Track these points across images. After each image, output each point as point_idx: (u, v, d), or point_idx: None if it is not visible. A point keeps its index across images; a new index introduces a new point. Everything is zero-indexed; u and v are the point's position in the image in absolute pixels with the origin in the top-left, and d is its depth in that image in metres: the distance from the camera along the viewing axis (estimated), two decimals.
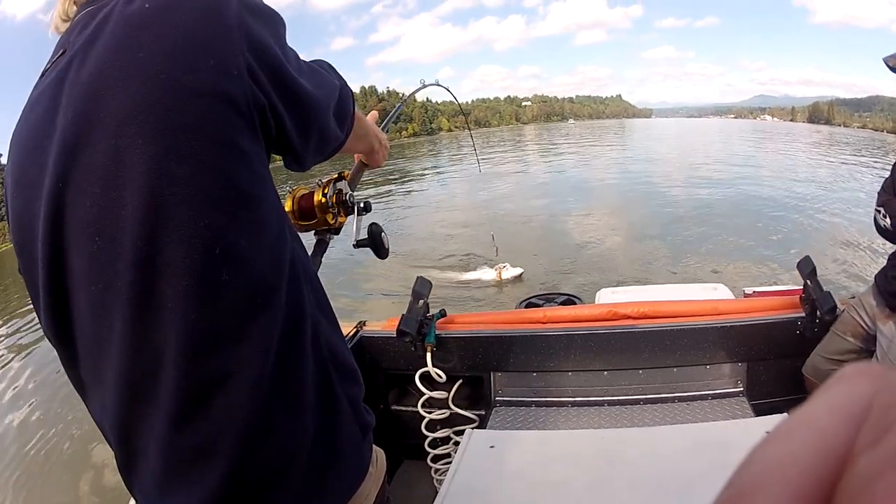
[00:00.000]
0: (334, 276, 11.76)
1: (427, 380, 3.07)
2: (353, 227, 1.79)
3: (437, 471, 3.15)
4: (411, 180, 33.83)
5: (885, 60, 2.53)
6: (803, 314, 2.92)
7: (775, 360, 3.00)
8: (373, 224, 1.79)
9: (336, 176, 1.75)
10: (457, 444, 3.09)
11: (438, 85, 2.85)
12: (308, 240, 1.75)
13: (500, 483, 2.24)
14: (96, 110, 0.94)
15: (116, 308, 0.98)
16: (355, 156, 1.89)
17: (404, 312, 3.04)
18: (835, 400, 0.21)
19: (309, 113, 1.13)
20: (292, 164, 1.23)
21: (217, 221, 0.97)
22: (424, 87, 2.76)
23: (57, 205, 0.98)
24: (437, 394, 3.07)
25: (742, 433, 2.35)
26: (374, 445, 1.41)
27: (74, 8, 1.11)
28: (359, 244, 1.77)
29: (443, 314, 3.19)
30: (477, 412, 3.12)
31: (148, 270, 0.96)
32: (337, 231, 1.81)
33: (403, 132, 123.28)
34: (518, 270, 10.72)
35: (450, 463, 3.05)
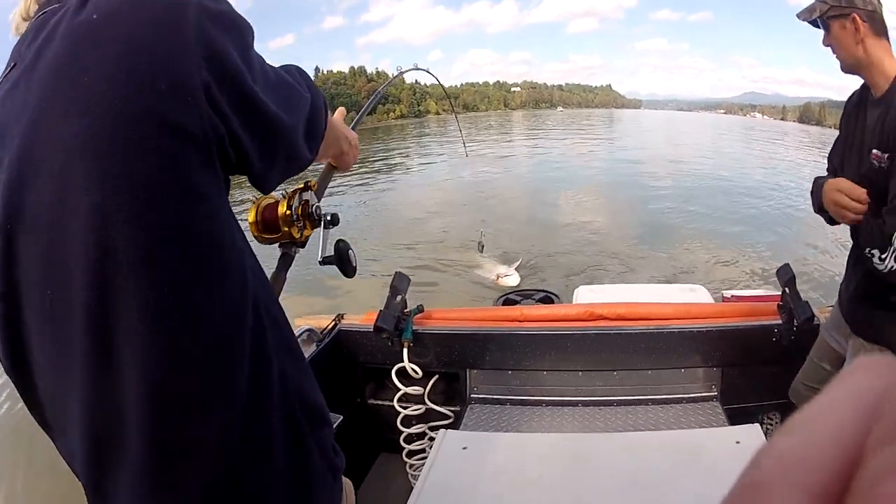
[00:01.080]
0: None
1: (403, 375, 3.08)
2: (320, 241, 1.71)
3: (412, 466, 3.17)
4: (397, 163, 33.73)
5: (798, 16, 2.42)
6: (780, 322, 2.94)
7: (750, 366, 3.04)
8: (340, 241, 1.70)
9: (302, 185, 1.63)
10: (432, 439, 3.11)
11: (419, 69, 2.81)
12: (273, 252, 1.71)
13: (472, 484, 2.27)
14: (40, 147, 0.88)
15: (75, 370, 0.94)
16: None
17: (381, 308, 3.05)
18: (851, 392, 0.21)
19: (274, 136, 1.07)
20: (255, 185, 1.17)
21: (170, 273, 0.92)
22: (406, 71, 2.68)
23: (9, 248, 0.93)
24: (412, 389, 3.09)
25: (711, 441, 2.39)
26: (343, 478, 1.39)
27: (36, 6, 1.03)
28: (325, 261, 1.70)
29: (420, 310, 3.20)
30: (452, 408, 3.15)
31: (102, 332, 0.91)
32: (303, 244, 1.70)
33: (391, 113, 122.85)
34: (517, 280, 10.69)
35: (425, 458, 3.08)
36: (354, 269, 1.71)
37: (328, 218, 1.68)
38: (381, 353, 3.20)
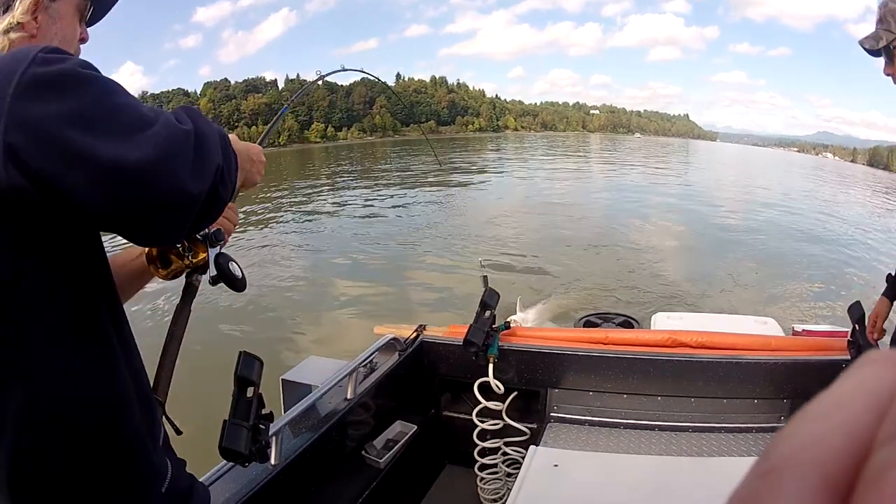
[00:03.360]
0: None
1: (484, 390, 3.11)
2: (210, 261, 1.57)
3: (483, 479, 3.20)
4: (473, 177, 33.85)
5: (861, 43, 2.41)
6: (849, 358, 2.92)
7: None
8: (219, 255, 1.58)
9: None
10: (505, 454, 3.15)
11: (347, 69, 2.62)
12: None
13: (564, 501, 2.31)
14: None
15: None
16: None
17: (471, 322, 3.08)
18: (864, 384, 0.22)
19: (120, 180, 0.99)
20: (131, 239, 1.12)
21: None
22: (328, 74, 2.47)
23: None
24: (492, 404, 3.11)
25: None
26: None
27: None
28: (213, 281, 1.58)
29: (507, 326, 3.23)
30: (529, 425, 3.16)
31: None
32: (204, 269, 1.59)
33: (470, 126, 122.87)
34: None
35: (497, 472, 3.11)
36: (242, 280, 1.62)
37: (212, 237, 1.57)
38: (463, 367, 3.23)
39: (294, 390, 2.91)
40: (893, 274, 2.88)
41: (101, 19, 1.44)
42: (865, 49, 2.40)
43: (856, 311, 2.98)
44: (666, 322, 4.82)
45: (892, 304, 2.77)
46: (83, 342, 1.08)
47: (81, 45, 1.34)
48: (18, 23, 1.19)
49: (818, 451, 0.20)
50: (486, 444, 3.18)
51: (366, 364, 3.03)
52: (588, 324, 5.43)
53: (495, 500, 3.21)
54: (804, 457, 0.20)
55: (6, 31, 1.17)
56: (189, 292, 1.61)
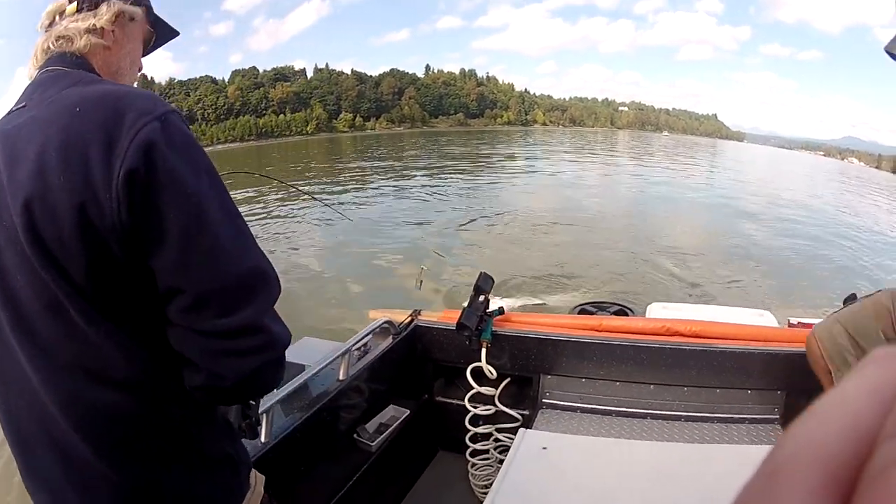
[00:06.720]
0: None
1: (477, 375, 3.10)
2: None
3: (474, 465, 3.21)
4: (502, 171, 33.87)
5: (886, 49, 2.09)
6: None
7: (813, 391, 2.97)
8: None
9: None
10: (497, 440, 3.16)
11: None
12: None
13: (550, 485, 2.31)
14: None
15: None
16: None
17: (464, 306, 3.07)
18: (868, 383, 0.22)
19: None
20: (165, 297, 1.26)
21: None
22: None
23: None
24: (485, 390, 3.11)
25: None
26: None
27: (43, 58, 1.27)
28: None
29: (501, 311, 3.21)
30: (521, 412, 3.16)
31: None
32: None
33: (498, 119, 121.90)
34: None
35: (488, 458, 3.12)
36: None
37: None
38: (457, 352, 3.23)
39: (287, 369, 2.92)
40: None
41: (150, 53, 1.53)
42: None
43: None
44: (661, 312, 4.79)
45: None
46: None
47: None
48: (101, 27, 1.29)
49: (821, 449, 0.20)
50: (479, 430, 3.18)
51: (359, 347, 3.02)
52: (583, 312, 5.39)
53: (486, 487, 3.18)
54: (808, 456, 0.20)
55: (88, 31, 1.27)
56: None
